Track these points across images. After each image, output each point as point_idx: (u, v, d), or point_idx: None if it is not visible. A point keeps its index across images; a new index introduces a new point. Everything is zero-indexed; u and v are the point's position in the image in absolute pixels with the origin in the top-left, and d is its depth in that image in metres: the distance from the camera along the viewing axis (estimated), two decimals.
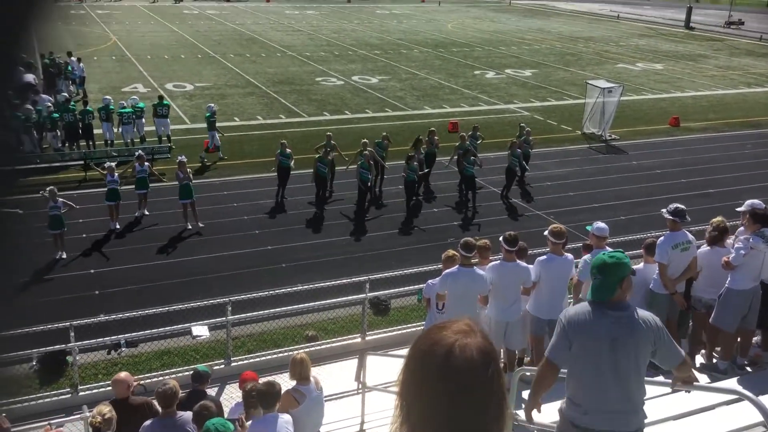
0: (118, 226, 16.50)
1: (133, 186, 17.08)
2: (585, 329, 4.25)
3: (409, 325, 11.79)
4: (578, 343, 4.27)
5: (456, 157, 19.64)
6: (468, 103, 31.11)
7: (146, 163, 17.33)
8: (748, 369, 8.14)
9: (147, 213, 17.31)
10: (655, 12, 79.89)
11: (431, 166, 19.98)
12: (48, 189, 14.63)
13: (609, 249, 8.55)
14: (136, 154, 17.63)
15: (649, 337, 4.24)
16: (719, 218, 8.47)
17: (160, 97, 22.87)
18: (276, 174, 18.59)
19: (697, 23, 66.69)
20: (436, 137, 20.51)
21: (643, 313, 4.33)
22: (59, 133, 20.96)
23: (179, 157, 17.23)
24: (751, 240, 7.73)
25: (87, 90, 28.44)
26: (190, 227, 16.73)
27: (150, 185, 17.28)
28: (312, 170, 18.43)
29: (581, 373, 4.34)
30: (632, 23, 68.21)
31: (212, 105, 22.62)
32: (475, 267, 8.16)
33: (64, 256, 15.07)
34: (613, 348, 4.17)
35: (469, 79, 36.81)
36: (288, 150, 18.45)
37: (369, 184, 18.48)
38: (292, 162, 18.59)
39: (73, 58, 28.50)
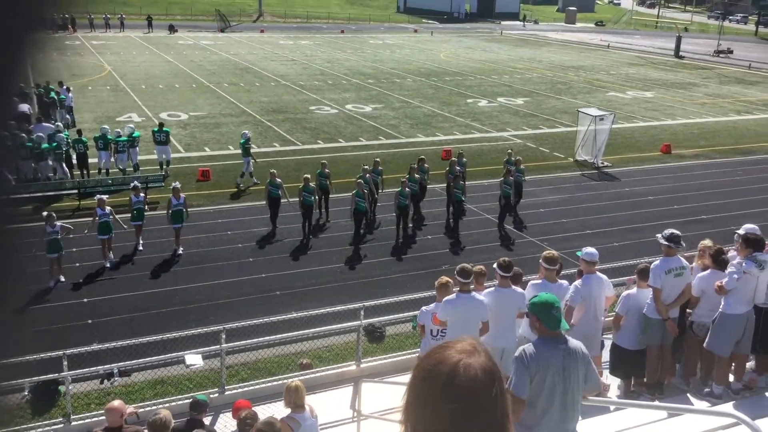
0: (113, 257, 16.35)
1: (129, 216, 17.04)
2: (544, 363, 4.77)
3: (404, 353, 11.74)
4: (539, 377, 4.77)
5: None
6: (461, 131, 31.34)
7: (141, 194, 17.28)
8: (744, 394, 8.13)
9: (141, 244, 17.14)
10: (645, 41, 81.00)
11: (422, 195, 20.08)
12: (45, 214, 14.71)
13: (599, 274, 8.61)
14: (132, 185, 17.57)
15: (585, 363, 4.92)
16: (707, 242, 8.52)
17: (161, 124, 23.13)
18: (267, 204, 18.56)
19: (687, 52, 67.59)
20: (426, 165, 20.61)
21: (576, 342, 4.99)
22: (50, 162, 21.04)
23: (174, 184, 17.24)
24: (743, 264, 7.78)
25: (75, 119, 28.57)
26: (180, 252, 16.81)
27: (145, 215, 17.24)
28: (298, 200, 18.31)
29: (536, 400, 4.81)
30: (622, 52, 69.08)
31: (246, 132, 23.17)
32: (473, 292, 8.17)
33: (63, 279, 15.13)
34: (565, 377, 4.78)
35: (462, 107, 37.12)
36: (277, 180, 18.37)
37: (363, 212, 18.47)
38: (281, 191, 18.45)
39: (63, 87, 28.65)
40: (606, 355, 8.94)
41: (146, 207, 17.34)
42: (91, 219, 16.07)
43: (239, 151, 22.72)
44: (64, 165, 20.93)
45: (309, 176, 18.36)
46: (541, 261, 8.44)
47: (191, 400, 7.61)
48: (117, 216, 16.26)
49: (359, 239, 18.21)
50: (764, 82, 52.33)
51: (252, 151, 22.45)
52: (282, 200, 18.38)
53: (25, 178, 19.79)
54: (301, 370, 11.55)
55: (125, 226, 16.53)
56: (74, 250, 16.26)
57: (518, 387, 4.73)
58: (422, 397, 1.53)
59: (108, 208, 15.92)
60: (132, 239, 17.09)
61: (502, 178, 19.67)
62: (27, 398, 10.61)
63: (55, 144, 20.52)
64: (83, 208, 19.25)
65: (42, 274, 14.59)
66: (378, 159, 21.08)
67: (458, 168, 20.09)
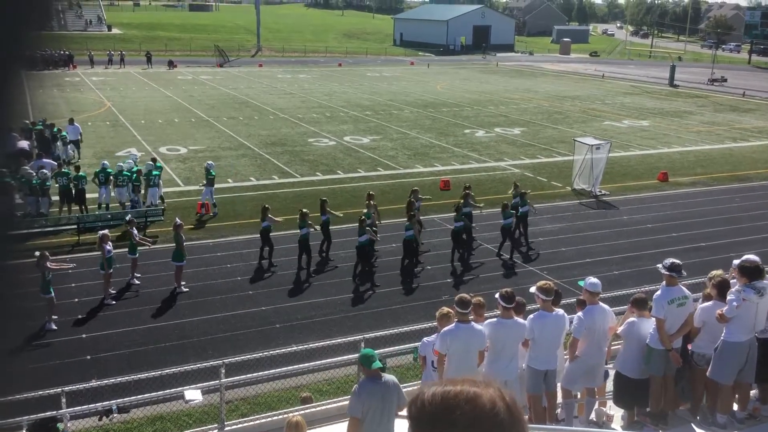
0: (113, 291, 16.32)
1: (126, 250, 17.03)
2: (371, 395, 6.75)
3: (405, 384, 11.55)
4: (367, 404, 6.70)
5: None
6: (459, 161, 31.48)
7: (134, 229, 17.14)
8: (747, 423, 8.06)
9: (136, 278, 17.02)
10: (639, 71, 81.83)
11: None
12: (38, 253, 14.49)
13: (602, 305, 8.57)
14: (126, 219, 17.54)
15: (397, 391, 6.90)
16: (719, 272, 8.48)
17: (153, 160, 23.68)
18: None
19: (681, 81, 68.27)
20: (420, 196, 20.65)
21: (390, 377, 7.05)
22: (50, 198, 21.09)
23: (177, 220, 17.20)
24: (743, 291, 7.76)
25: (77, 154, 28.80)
26: (185, 290, 16.70)
27: (138, 249, 17.02)
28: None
29: (365, 417, 6.69)
30: (617, 82, 69.71)
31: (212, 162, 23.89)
32: (472, 323, 8.12)
33: (54, 327, 14.48)
34: (383, 402, 6.76)
35: (460, 137, 37.33)
36: (269, 216, 18.49)
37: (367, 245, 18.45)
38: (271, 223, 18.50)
39: (75, 124, 28.73)
40: (610, 385, 8.87)
41: (137, 240, 17.02)
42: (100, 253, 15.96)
43: (240, 184, 22.86)
44: (44, 199, 20.69)
45: (307, 211, 18.30)
46: (536, 291, 8.36)
47: None
48: (118, 250, 16.33)
49: (364, 273, 18.09)
50: (759, 110, 52.76)
51: (252, 183, 22.61)
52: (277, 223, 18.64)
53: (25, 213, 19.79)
54: (302, 404, 11.43)
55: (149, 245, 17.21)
56: (72, 285, 16.21)
57: (353, 409, 6.74)
58: None
59: (110, 243, 15.94)
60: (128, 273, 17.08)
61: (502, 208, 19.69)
62: None
63: (39, 180, 20.49)
64: (82, 244, 19.26)
65: (38, 311, 14.49)
66: (372, 192, 20.97)
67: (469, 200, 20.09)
